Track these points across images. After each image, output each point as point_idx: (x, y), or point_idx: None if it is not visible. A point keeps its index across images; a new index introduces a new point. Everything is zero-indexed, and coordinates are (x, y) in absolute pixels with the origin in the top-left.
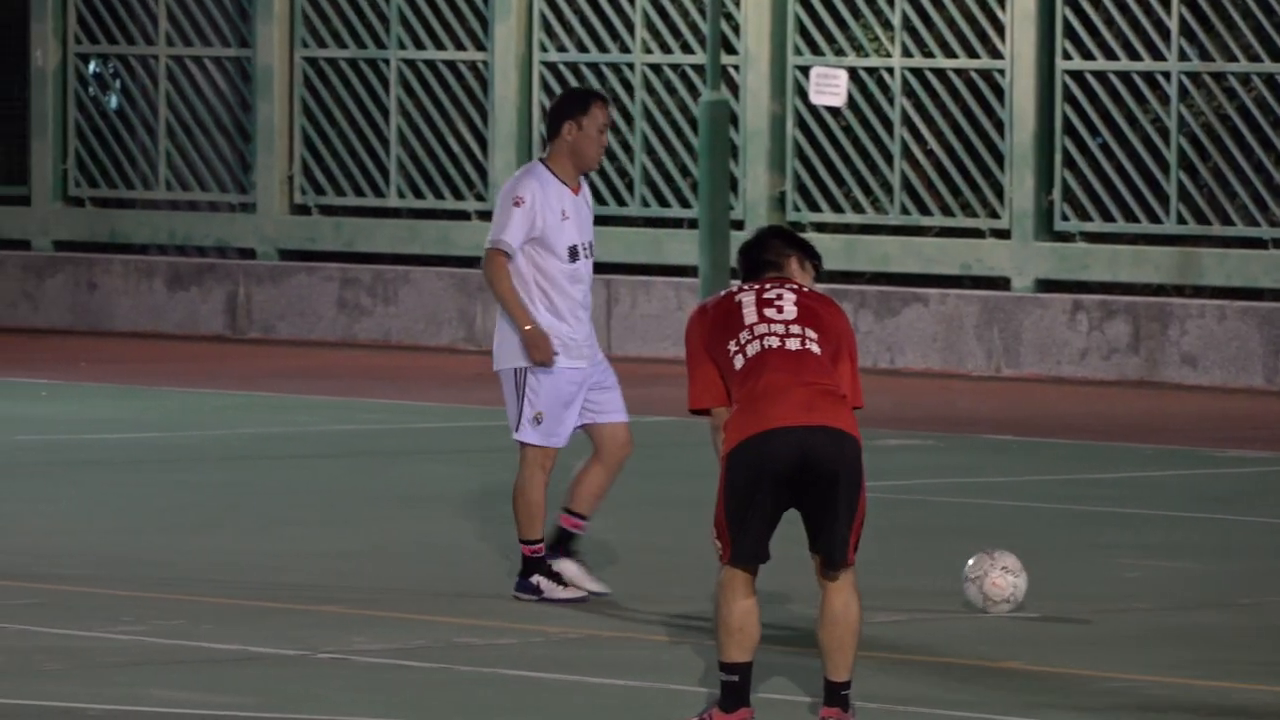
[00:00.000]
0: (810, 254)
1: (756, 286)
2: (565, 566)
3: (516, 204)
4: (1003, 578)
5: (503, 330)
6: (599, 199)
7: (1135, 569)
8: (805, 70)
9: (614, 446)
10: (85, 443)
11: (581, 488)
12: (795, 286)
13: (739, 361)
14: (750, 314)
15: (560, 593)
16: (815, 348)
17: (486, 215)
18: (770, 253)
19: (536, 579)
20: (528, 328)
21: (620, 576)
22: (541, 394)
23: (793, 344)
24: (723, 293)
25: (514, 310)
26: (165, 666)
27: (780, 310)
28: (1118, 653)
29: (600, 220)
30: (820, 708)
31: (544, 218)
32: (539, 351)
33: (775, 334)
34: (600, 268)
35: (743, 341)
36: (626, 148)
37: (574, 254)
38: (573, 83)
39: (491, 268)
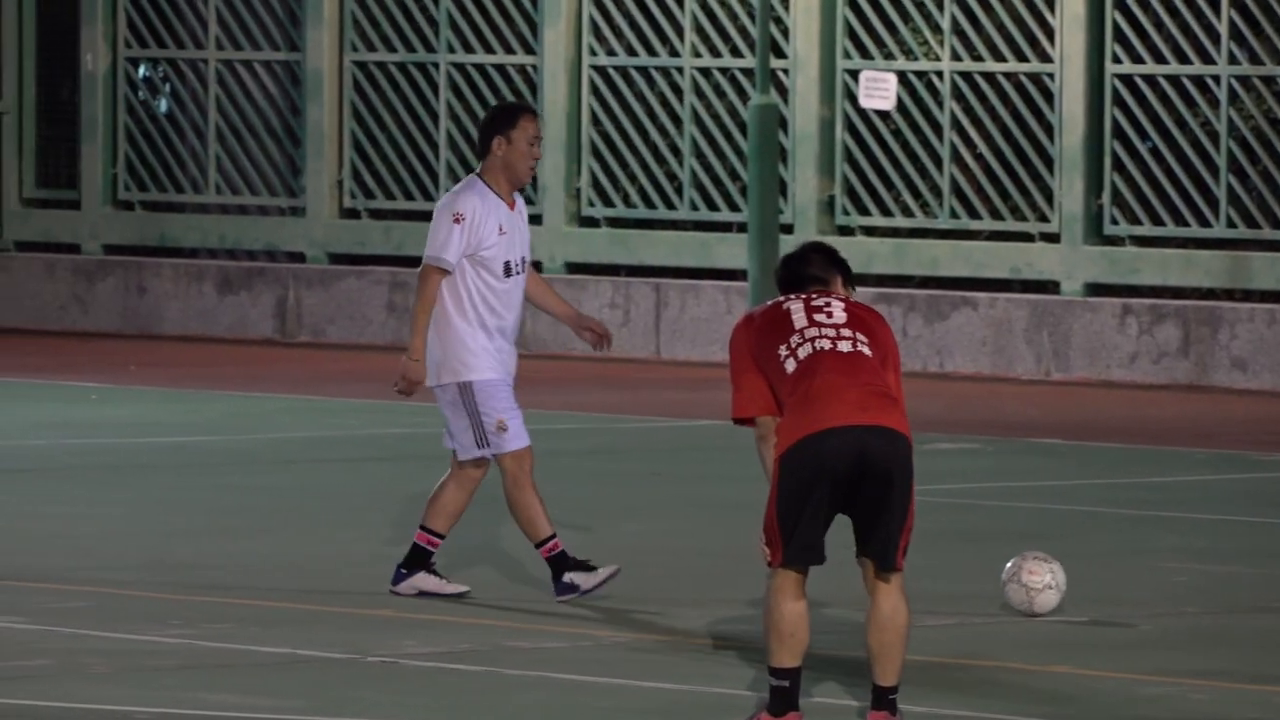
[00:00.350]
0: (850, 276)
1: (804, 296)
2: (424, 581)
3: (456, 220)
4: (1037, 565)
5: (444, 344)
6: (648, 203)
7: (1184, 573)
8: (854, 74)
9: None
10: (134, 446)
11: (438, 505)
12: (842, 297)
13: (790, 365)
14: (800, 319)
15: (593, 580)
16: (866, 350)
17: (536, 219)
18: (815, 267)
19: (569, 576)
20: (415, 359)
21: (668, 580)
22: (494, 403)
23: (844, 346)
24: (769, 303)
25: (415, 335)
26: (213, 670)
27: (830, 315)
28: (1165, 657)
29: (649, 224)
30: (868, 712)
31: (481, 235)
32: (409, 384)
33: (827, 336)
34: (649, 271)
35: (794, 345)
36: (676, 151)
37: (509, 270)
38: (622, 87)
39: (424, 283)
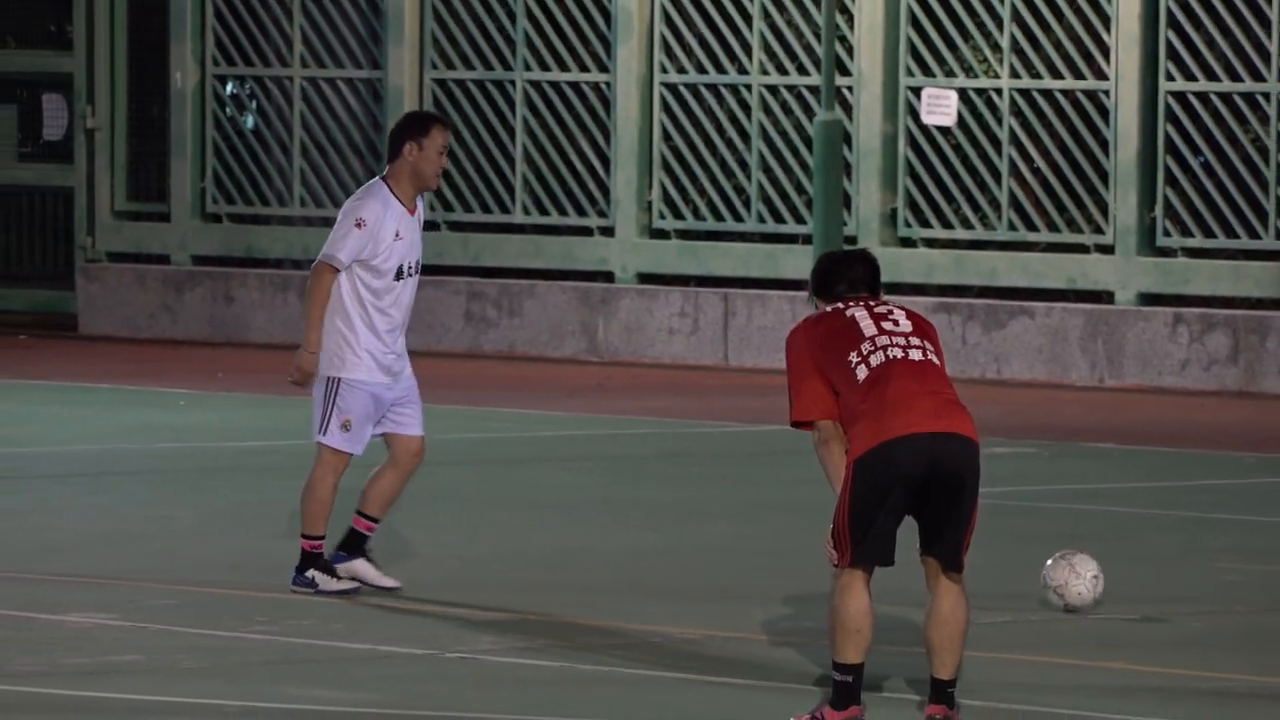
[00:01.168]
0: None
1: (863, 302)
2: (358, 566)
3: (359, 225)
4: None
5: (331, 339)
6: (716, 215)
7: (1235, 573)
8: (917, 91)
9: (407, 455)
10: (221, 450)
11: (374, 491)
12: (901, 306)
13: (862, 372)
14: (869, 327)
15: (333, 585)
16: (934, 359)
17: (608, 231)
18: (862, 272)
19: (311, 573)
20: (310, 351)
21: (737, 579)
22: (352, 405)
23: (915, 355)
24: (828, 308)
25: (309, 329)
26: (298, 665)
27: (896, 324)
28: (1218, 654)
29: (718, 235)
30: (926, 705)
31: (379, 240)
32: (303, 375)
33: (898, 345)
34: (717, 281)
35: (865, 352)
36: (744, 166)
37: (400, 273)
38: (692, 103)
39: (317, 280)
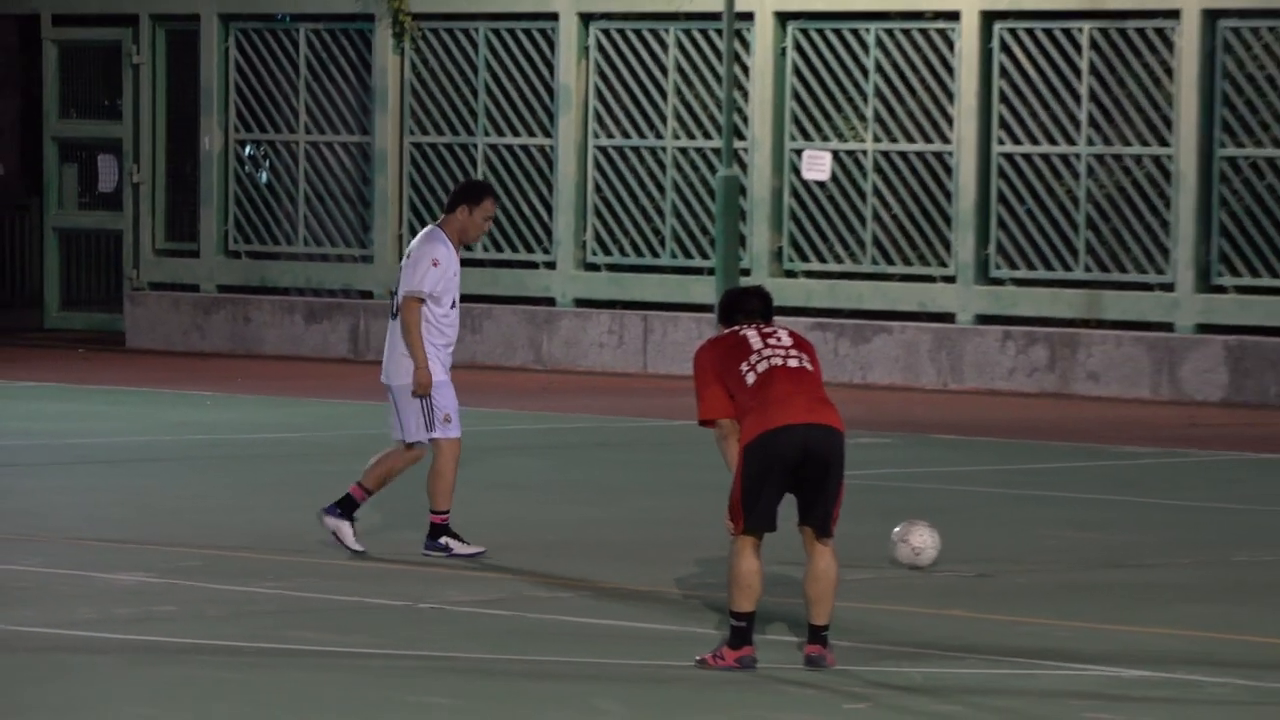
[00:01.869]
0: (771, 315)
1: (755, 326)
2: (343, 527)
3: (434, 263)
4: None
5: (394, 349)
6: (638, 252)
7: (1052, 538)
8: (798, 152)
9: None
10: (241, 441)
11: (379, 470)
12: (785, 329)
13: (750, 378)
14: (756, 343)
15: (464, 549)
16: (808, 366)
17: (551, 265)
18: (756, 303)
19: (445, 540)
20: (422, 367)
21: (653, 543)
22: (446, 400)
23: (793, 363)
24: (726, 331)
25: (416, 351)
26: (300, 614)
27: (779, 340)
28: (1038, 603)
29: (639, 268)
30: (805, 645)
31: (445, 276)
32: (421, 387)
33: (779, 356)
34: (638, 305)
35: (753, 362)
36: (660, 212)
37: (453, 303)
38: (618, 162)
39: (410, 311)
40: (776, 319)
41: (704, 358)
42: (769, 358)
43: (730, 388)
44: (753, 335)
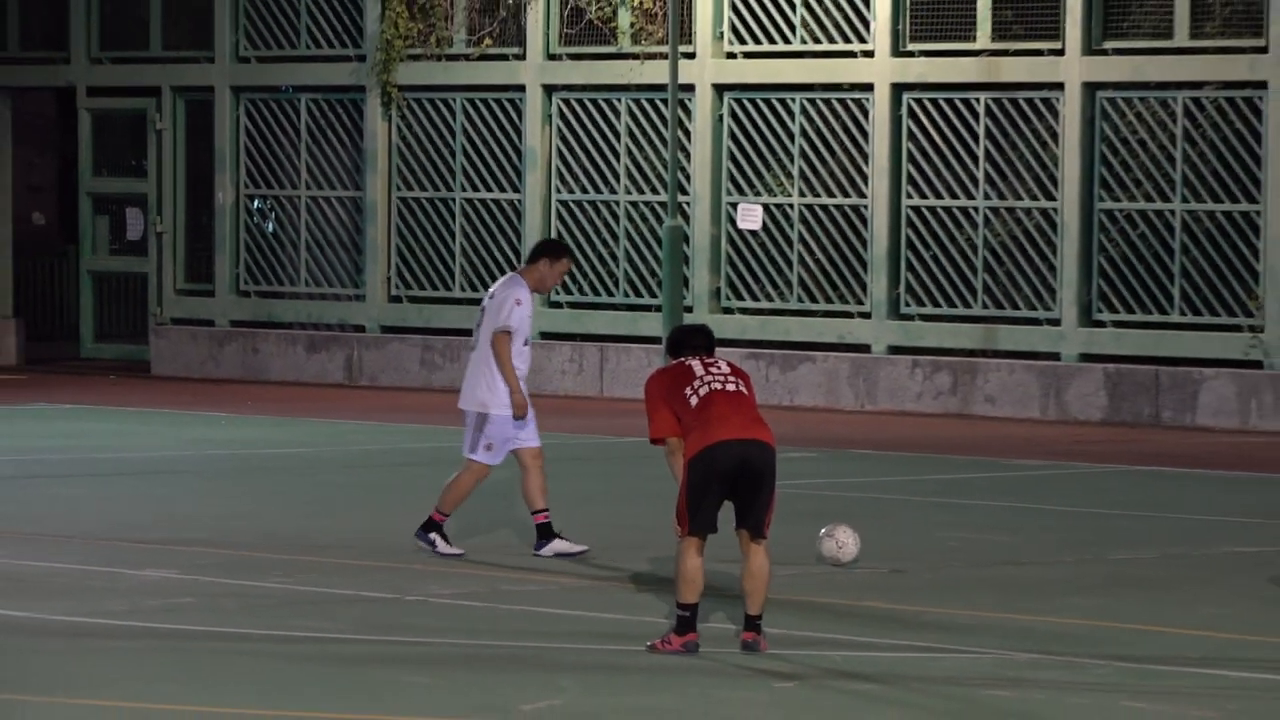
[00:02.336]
0: (713, 348)
1: (699, 357)
2: (556, 544)
3: (518, 303)
4: (844, 531)
5: (475, 379)
6: (595, 291)
7: (954, 539)
8: (734, 205)
9: (529, 458)
10: (251, 455)
11: (529, 492)
12: (725, 360)
13: (694, 400)
14: (699, 370)
15: (447, 549)
16: (744, 390)
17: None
18: (699, 339)
19: (433, 536)
20: (518, 394)
21: (610, 546)
22: (494, 432)
23: (730, 387)
24: (674, 362)
25: (510, 378)
26: (303, 605)
27: (719, 368)
28: (942, 595)
29: (596, 305)
30: (742, 633)
31: (524, 316)
32: (519, 409)
33: (718, 381)
34: (595, 338)
35: (696, 387)
36: (614, 256)
37: (526, 341)
38: (578, 214)
39: (501, 345)
40: (717, 350)
41: (654, 385)
42: (709, 383)
43: (676, 410)
44: (696, 365)
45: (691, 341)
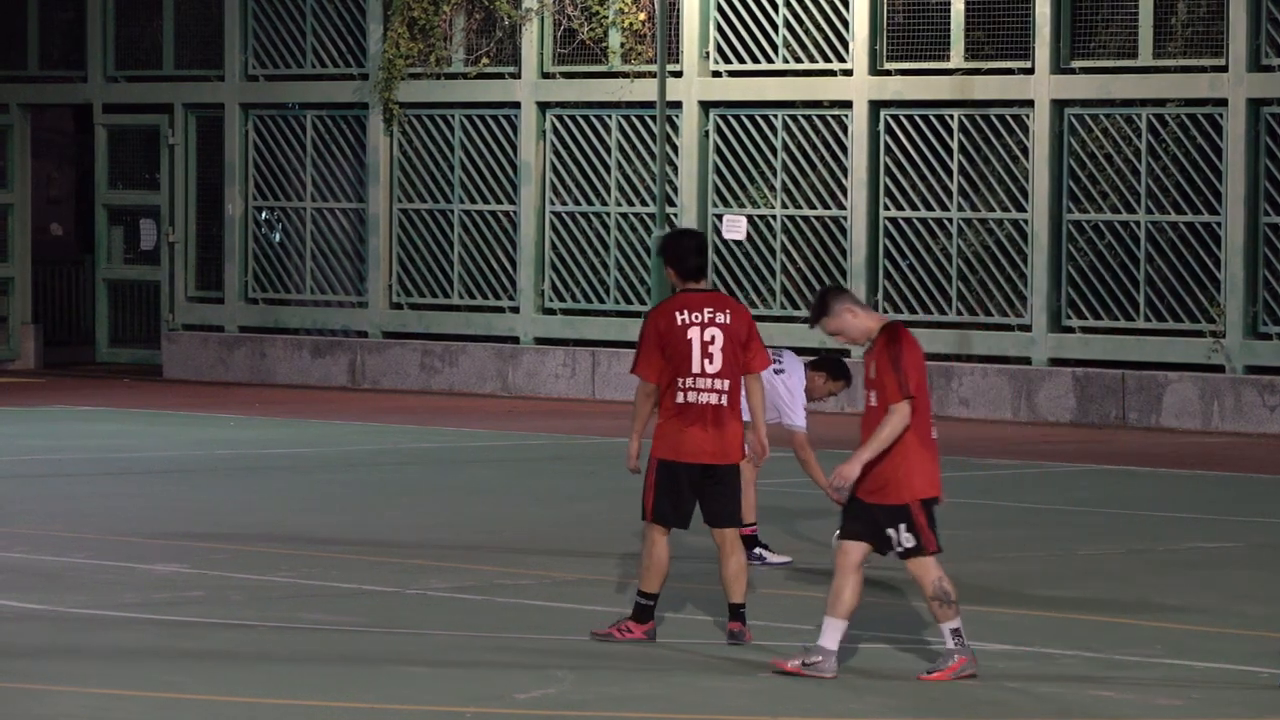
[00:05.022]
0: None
1: (701, 320)
2: (764, 554)
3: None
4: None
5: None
6: (587, 298)
7: None
8: (719, 216)
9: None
10: (258, 455)
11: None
12: (725, 321)
13: (679, 397)
14: (696, 360)
15: (775, 559)
16: (725, 401)
17: (515, 309)
18: (694, 261)
19: (758, 550)
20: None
21: (602, 541)
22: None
23: (713, 399)
24: (676, 304)
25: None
26: (309, 598)
27: (711, 360)
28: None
29: (588, 312)
30: (728, 623)
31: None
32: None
33: (704, 389)
34: (588, 343)
35: (686, 385)
36: (605, 265)
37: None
38: (571, 225)
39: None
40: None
41: (653, 327)
42: (700, 390)
43: (667, 369)
44: (696, 349)
45: (688, 264)
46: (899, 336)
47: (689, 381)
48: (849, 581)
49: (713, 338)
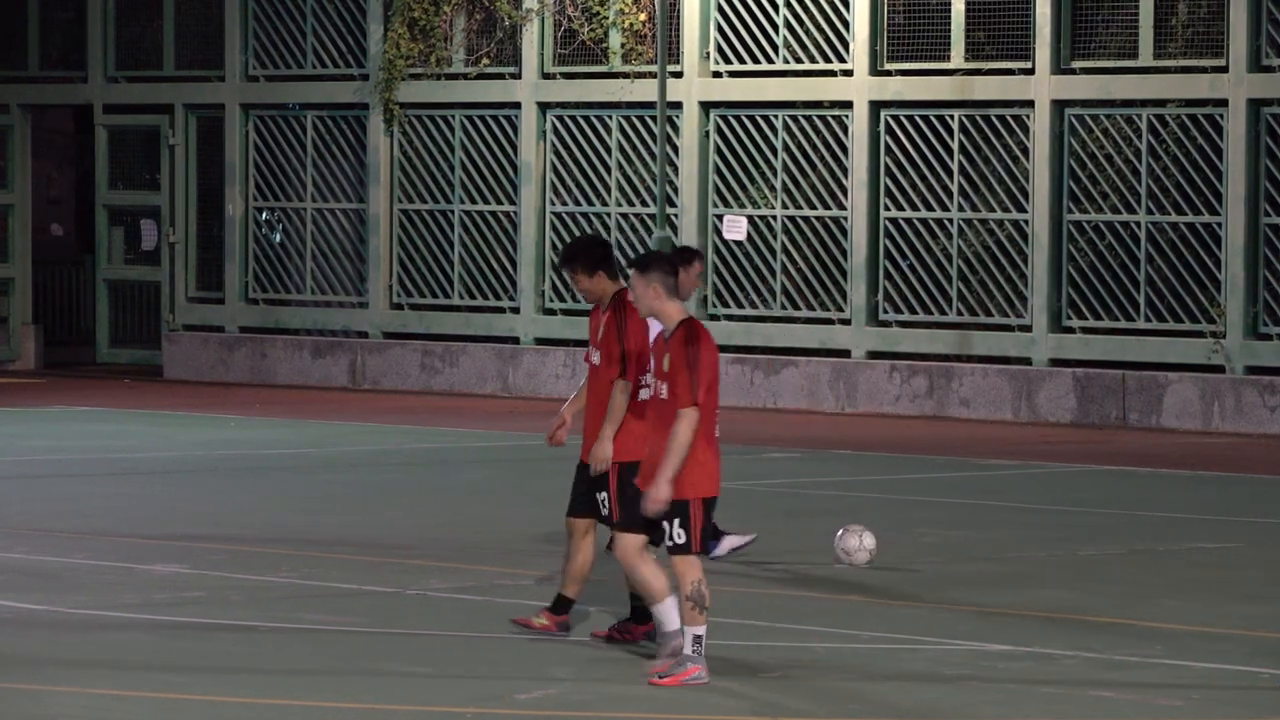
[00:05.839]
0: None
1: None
2: (726, 540)
3: None
4: (866, 535)
5: None
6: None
7: (931, 536)
8: (720, 217)
9: None
10: (259, 455)
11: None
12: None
13: (644, 393)
14: (651, 357)
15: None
16: (665, 394)
17: (515, 310)
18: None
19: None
20: None
21: (600, 540)
22: None
23: (645, 394)
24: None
25: None
26: (308, 598)
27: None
28: (918, 589)
29: (588, 312)
30: (555, 616)
31: None
32: None
33: (652, 386)
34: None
35: (646, 380)
36: None
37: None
38: (571, 226)
39: None
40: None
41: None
42: (654, 387)
43: (646, 366)
44: (659, 350)
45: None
46: (698, 336)
47: (648, 377)
48: (644, 569)
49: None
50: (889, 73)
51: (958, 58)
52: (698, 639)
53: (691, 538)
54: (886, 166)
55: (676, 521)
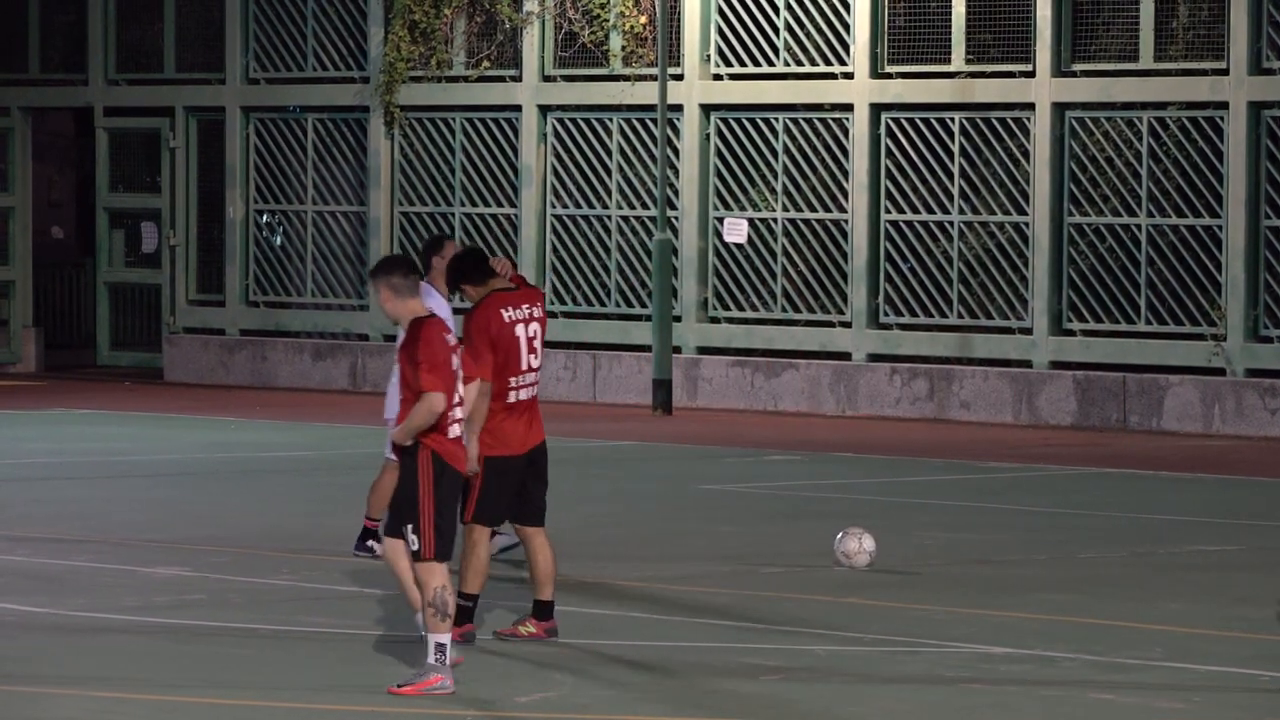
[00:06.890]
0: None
1: (524, 322)
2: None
3: None
4: (865, 537)
5: None
6: (588, 301)
7: (931, 539)
8: (720, 219)
9: None
10: (259, 458)
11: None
12: (541, 314)
13: (511, 396)
14: (524, 360)
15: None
16: (537, 390)
17: None
18: (489, 263)
19: (370, 542)
20: None
21: (601, 543)
22: None
23: (533, 392)
24: (493, 303)
25: None
26: (310, 601)
27: (536, 355)
28: (919, 592)
29: (589, 315)
30: (540, 622)
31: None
32: None
33: (528, 385)
34: (588, 345)
35: (517, 384)
36: (606, 268)
37: None
38: (572, 228)
39: None
40: (709, 356)
41: (487, 326)
42: (523, 386)
43: (498, 368)
44: (523, 346)
45: (481, 271)
46: (417, 336)
47: (518, 380)
48: (404, 577)
49: (535, 333)
50: (890, 75)
51: (958, 60)
52: (440, 647)
53: (423, 544)
54: (887, 169)
55: (409, 528)
